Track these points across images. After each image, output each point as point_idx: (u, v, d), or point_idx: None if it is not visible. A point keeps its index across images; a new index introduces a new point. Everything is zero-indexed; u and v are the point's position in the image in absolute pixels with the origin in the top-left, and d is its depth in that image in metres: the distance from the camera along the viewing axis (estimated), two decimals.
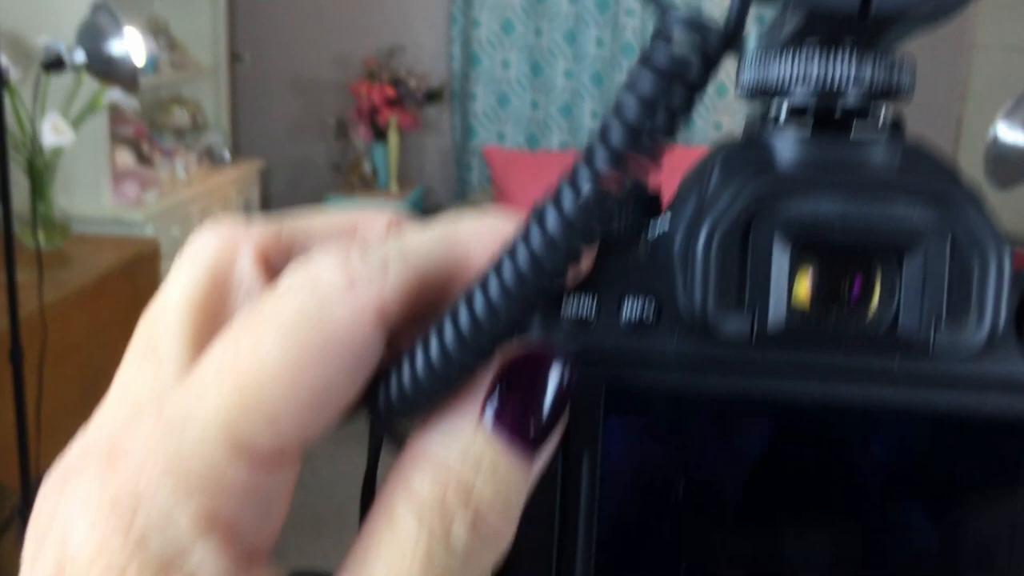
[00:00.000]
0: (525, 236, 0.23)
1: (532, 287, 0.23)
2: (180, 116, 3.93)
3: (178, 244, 3.40)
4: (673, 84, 0.22)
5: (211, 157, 3.97)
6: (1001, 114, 1.80)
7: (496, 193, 3.99)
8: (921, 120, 3.89)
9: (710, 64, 0.22)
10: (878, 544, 0.27)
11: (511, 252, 0.23)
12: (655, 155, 0.22)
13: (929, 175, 0.26)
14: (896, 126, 0.28)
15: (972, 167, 2.28)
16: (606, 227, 0.24)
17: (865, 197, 0.26)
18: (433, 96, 4.02)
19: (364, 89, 3.88)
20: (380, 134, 3.96)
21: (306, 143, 4.34)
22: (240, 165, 4.03)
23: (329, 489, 2.86)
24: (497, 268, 0.23)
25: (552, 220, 0.23)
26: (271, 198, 4.42)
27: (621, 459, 0.28)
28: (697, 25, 0.22)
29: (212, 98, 4.10)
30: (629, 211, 0.28)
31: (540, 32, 4.08)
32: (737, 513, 0.28)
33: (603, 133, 0.23)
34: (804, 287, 0.26)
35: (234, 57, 4.24)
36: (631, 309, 0.27)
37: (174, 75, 3.76)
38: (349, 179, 4.02)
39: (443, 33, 4.19)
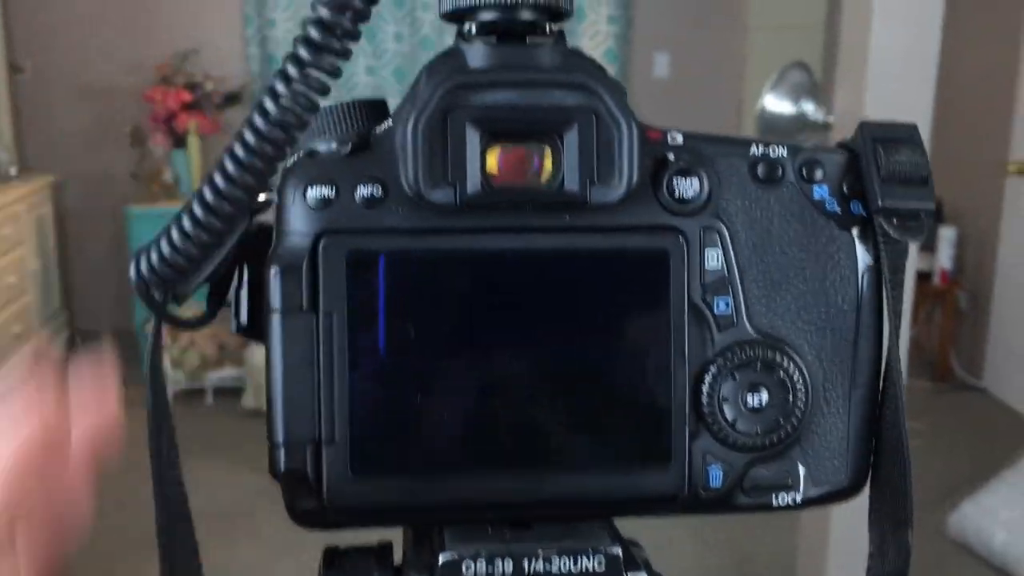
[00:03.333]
0: (248, 121, 0.30)
1: (259, 162, 0.30)
2: None
3: None
4: (343, 13, 0.30)
5: None
6: (767, 87, 1.95)
7: None
8: (708, 102, 4.13)
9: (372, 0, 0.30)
10: (563, 360, 0.35)
11: (240, 134, 0.31)
12: (342, 54, 0.31)
13: (581, 72, 0.34)
14: (560, 36, 0.36)
15: None
16: (308, 111, 0.31)
17: (534, 89, 0.34)
18: (232, 99, 3.93)
19: (159, 95, 3.76)
20: (180, 140, 3.84)
21: (101, 154, 4.16)
22: (29, 181, 3.82)
23: (151, 507, 2.77)
24: (230, 147, 0.30)
25: (268, 103, 0.30)
26: (67, 213, 4.21)
27: (366, 315, 0.34)
28: None
29: None
30: (361, 117, 0.36)
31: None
32: (458, 346, 0.35)
33: (295, 47, 0.31)
34: (493, 162, 0.34)
35: (13, 68, 4.01)
36: (363, 191, 0.34)
37: None
38: (150, 188, 3.88)
39: (238, 34, 4.11)
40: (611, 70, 3.81)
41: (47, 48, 4.06)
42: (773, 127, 1.91)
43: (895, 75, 1.64)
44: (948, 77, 3.84)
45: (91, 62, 4.08)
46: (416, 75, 0.35)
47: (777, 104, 1.91)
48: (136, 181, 3.97)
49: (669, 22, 4.28)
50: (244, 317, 0.36)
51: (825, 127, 1.86)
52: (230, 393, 3.50)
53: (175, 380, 3.45)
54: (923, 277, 3.81)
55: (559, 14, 0.35)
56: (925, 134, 1.73)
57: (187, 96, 3.76)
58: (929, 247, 3.85)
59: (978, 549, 2.41)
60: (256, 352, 3.11)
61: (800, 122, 1.91)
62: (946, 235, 3.76)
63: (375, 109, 0.36)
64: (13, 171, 3.78)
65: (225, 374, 3.47)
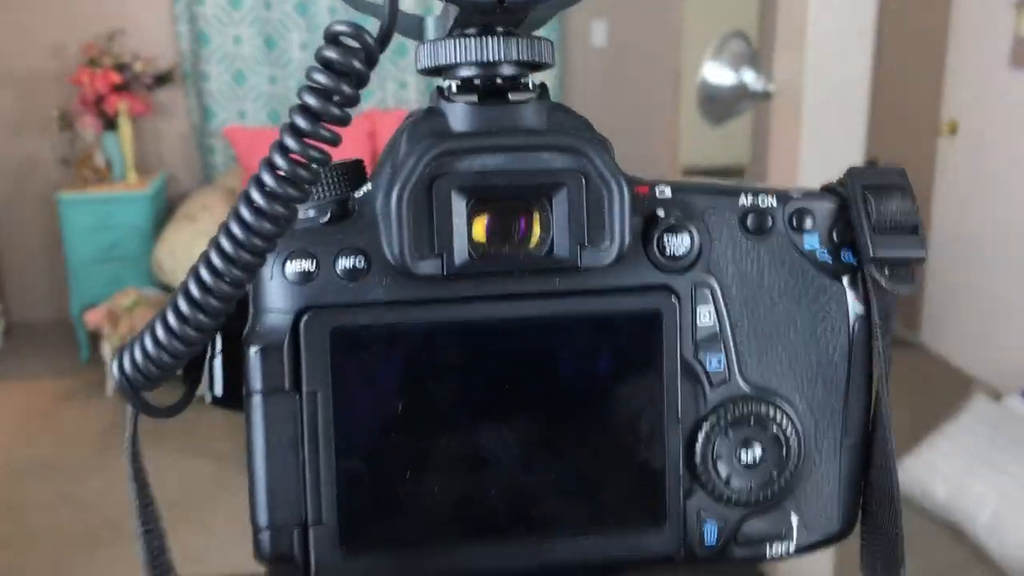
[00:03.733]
0: (245, 196, 0.28)
1: (260, 242, 0.28)
2: None
3: None
4: (342, 79, 0.28)
5: None
6: (707, 56, 1.95)
7: (244, 173, 3.88)
8: (646, 70, 4.14)
9: (372, 61, 0.28)
10: (556, 427, 0.34)
11: (224, 227, 0.28)
12: (333, 137, 0.28)
13: (568, 131, 0.33)
14: (543, 90, 0.34)
15: (692, 111, 2.45)
16: (303, 193, 0.29)
17: (520, 152, 0.33)
18: (163, 79, 3.84)
19: (86, 77, 3.65)
20: (110, 123, 3.74)
21: (27, 140, 4.03)
22: None
23: (101, 501, 2.72)
24: (216, 239, 0.28)
25: (256, 194, 0.28)
26: None
27: (351, 392, 0.33)
28: (357, 31, 0.28)
29: None
30: (338, 181, 0.33)
31: (270, 5, 3.98)
32: (448, 418, 0.33)
33: (290, 120, 0.28)
34: (480, 229, 0.33)
35: None
36: (345, 263, 0.33)
37: None
38: (81, 173, 3.78)
39: (166, 13, 4.00)
40: (550, 37, 3.82)
41: None
42: (714, 97, 1.91)
43: (834, 42, 1.66)
44: (882, 40, 3.90)
45: (11, 46, 3.94)
46: (393, 135, 0.34)
47: (718, 74, 1.91)
48: (66, 166, 3.87)
49: None
50: (219, 389, 0.35)
51: (766, 96, 1.87)
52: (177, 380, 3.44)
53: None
54: None
55: (541, 66, 0.34)
56: (864, 99, 1.75)
57: (116, 78, 3.66)
58: None
59: (922, 503, 2.47)
60: None
61: (741, 91, 1.92)
62: None
63: (352, 171, 0.34)
64: None
65: None
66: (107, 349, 3.37)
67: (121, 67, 3.70)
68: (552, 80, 4.10)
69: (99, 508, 2.67)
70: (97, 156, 3.79)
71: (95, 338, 3.64)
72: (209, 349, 0.34)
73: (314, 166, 0.28)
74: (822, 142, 1.71)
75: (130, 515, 0.34)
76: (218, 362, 0.34)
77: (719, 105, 1.93)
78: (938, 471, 2.47)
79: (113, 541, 2.50)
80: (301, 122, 0.28)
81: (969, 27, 3.48)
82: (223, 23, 3.96)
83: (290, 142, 0.28)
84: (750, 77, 1.90)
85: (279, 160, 0.28)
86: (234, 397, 0.34)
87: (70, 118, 3.77)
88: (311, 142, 0.28)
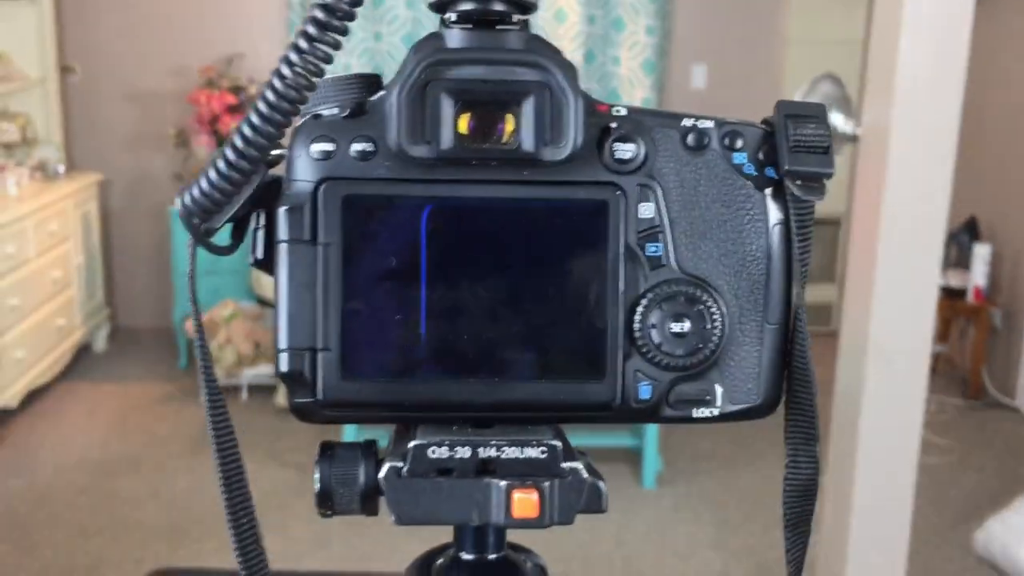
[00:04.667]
0: (269, 83, 0.37)
1: (278, 115, 0.37)
2: (8, 130, 3.80)
3: (13, 262, 3.29)
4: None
5: (44, 171, 3.85)
6: (797, 97, 1.97)
7: None
8: (745, 113, 4.15)
9: None
10: (518, 289, 0.42)
11: (262, 94, 0.37)
12: (342, 31, 0.37)
13: (539, 53, 0.42)
14: (526, 25, 0.42)
15: None
16: (317, 75, 0.37)
17: (498, 66, 0.41)
18: None
19: (203, 97, 3.84)
20: (222, 142, 3.91)
21: (145, 154, 4.26)
22: (76, 178, 3.93)
23: (187, 498, 2.83)
24: (255, 105, 0.37)
25: (284, 68, 0.37)
26: (112, 211, 4.31)
27: (357, 247, 0.41)
28: None
29: (42, 111, 3.97)
30: (357, 87, 0.42)
31: (380, 36, 4.13)
32: (431, 274, 0.42)
33: (311, 14, 0.36)
34: (464, 124, 0.41)
35: (64, 69, 4.13)
36: (357, 147, 0.41)
37: None
38: None
39: (282, 40, 4.19)
40: (649, 81, 3.81)
41: (97, 51, 4.18)
42: None
43: (922, 91, 1.66)
44: (983, 95, 3.83)
45: (138, 65, 4.18)
46: (406, 55, 0.42)
47: None
48: (179, 182, 4.07)
49: (707, 34, 4.31)
50: (260, 252, 0.43)
51: (853, 139, 1.88)
52: (265, 390, 3.57)
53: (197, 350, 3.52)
54: (957, 294, 3.79)
55: (526, 7, 0.42)
56: (951, 148, 1.74)
57: (231, 99, 3.85)
58: (963, 264, 3.83)
59: (1004, 567, 2.39)
60: None
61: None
62: (980, 252, 3.74)
63: (371, 81, 0.43)
64: (61, 169, 3.88)
65: (260, 371, 3.54)
66: None
67: (236, 89, 3.89)
68: None
69: (186, 506, 2.78)
70: None
71: (194, 346, 3.80)
72: (253, 221, 0.42)
73: (328, 49, 0.37)
74: (907, 188, 1.71)
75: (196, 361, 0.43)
76: (260, 233, 0.42)
77: None
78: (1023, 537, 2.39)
79: (199, 538, 2.61)
80: (320, 14, 0.36)
81: None
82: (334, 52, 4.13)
83: (311, 29, 0.36)
84: (839, 120, 1.91)
85: (302, 43, 0.37)
86: (270, 260, 0.42)
87: (186, 136, 3.97)
88: (327, 32, 0.36)
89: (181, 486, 2.91)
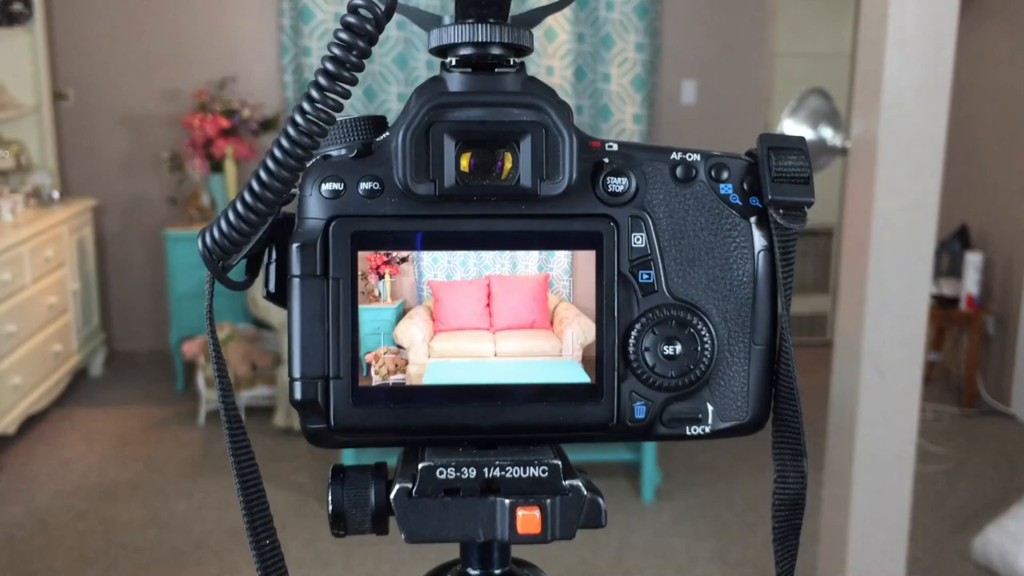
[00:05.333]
0: (284, 131, 0.39)
1: (292, 161, 0.40)
2: (3, 158, 3.81)
3: (9, 289, 3.29)
4: (359, 37, 0.39)
5: (39, 197, 3.86)
6: (786, 112, 1.99)
7: None
8: (734, 127, 4.16)
9: (380, 26, 0.39)
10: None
11: (278, 141, 0.40)
12: (351, 82, 0.39)
13: (535, 95, 0.44)
14: (522, 67, 0.45)
15: None
16: (327, 124, 0.40)
17: (497, 108, 0.44)
18: (268, 124, 4.03)
19: (197, 121, 3.86)
20: (216, 165, 3.94)
21: (139, 178, 4.27)
22: (71, 204, 3.94)
23: (186, 522, 2.83)
24: (271, 151, 0.40)
25: (297, 119, 0.39)
26: (106, 236, 4.32)
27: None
28: (369, 3, 0.39)
29: (36, 138, 3.99)
30: (364, 129, 0.45)
31: (371, 57, 4.15)
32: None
33: (322, 65, 0.39)
34: (465, 163, 0.44)
35: (58, 95, 4.14)
36: (365, 185, 0.44)
37: None
38: (187, 212, 3.99)
39: (274, 63, 4.22)
40: (639, 97, 3.82)
41: (89, 76, 4.20)
42: None
43: (908, 103, 1.68)
44: (972, 103, 3.87)
45: (131, 90, 4.20)
46: (409, 97, 0.45)
47: (795, 129, 1.95)
48: (173, 205, 4.08)
49: (696, 50, 4.34)
50: (272, 285, 0.45)
51: (843, 152, 1.90)
52: (262, 412, 3.57)
53: (208, 398, 3.52)
54: (950, 302, 3.81)
55: (522, 50, 0.45)
56: (939, 159, 1.76)
57: (225, 122, 3.87)
58: (955, 272, 3.85)
59: (1003, 573, 2.40)
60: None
61: (819, 147, 1.95)
62: (972, 260, 3.76)
63: (377, 123, 0.45)
64: (55, 195, 3.90)
65: (257, 393, 3.54)
66: (201, 380, 3.52)
67: (230, 112, 3.91)
68: (640, 134, 4.17)
69: (185, 529, 2.78)
70: (202, 196, 4.00)
71: (190, 369, 3.80)
72: (266, 257, 0.45)
73: (339, 99, 0.39)
74: (896, 200, 1.73)
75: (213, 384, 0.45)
76: (272, 267, 0.45)
77: None
78: (1022, 541, 2.40)
79: (199, 561, 2.60)
80: (330, 66, 0.39)
81: None
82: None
83: (322, 81, 0.39)
84: (828, 133, 1.93)
85: (315, 93, 0.39)
86: (282, 294, 0.44)
87: (180, 160, 3.99)
88: (337, 83, 0.39)
89: (180, 510, 2.91)
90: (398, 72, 4.13)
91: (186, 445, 3.37)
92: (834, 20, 4.37)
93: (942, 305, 3.77)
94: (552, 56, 4.11)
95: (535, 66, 4.10)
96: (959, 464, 3.25)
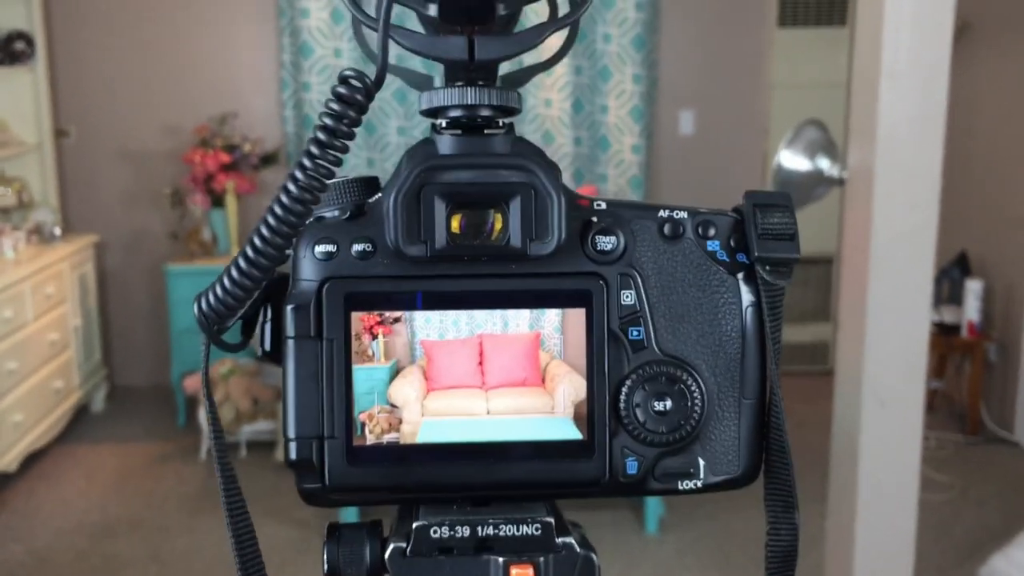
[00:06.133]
0: (277, 198, 0.40)
1: (286, 228, 0.40)
2: (5, 195, 3.83)
3: (11, 326, 3.29)
4: (349, 107, 0.40)
5: (41, 234, 3.87)
6: (783, 143, 2.00)
7: None
8: (732, 157, 4.18)
9: (370, 95, 0.40)
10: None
11: (271, 207, 0.40)
12: (342, 150, 0.40)
13: (524, 156, 0.45)
14: (510, 128, 0.45)
15: None
16: (319, 191, 0.40)
17: (486, 170, 0.44)
18: (268, 159, 4.05)
19: (198, 156, 3.88)
20: (217, 200, 3.96)
21: (141, 214, 4.29)
22: (72, 240, 3.95)
23: (187, 559, 2.82)
24: (264, 218, 0.40)
25: (290, 186, 0.40)
26: (108, 272, 4.33)
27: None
28: (360, 74, 0.40)
29: (38, 175, 4.01)
30: (356, 190, 0.45)
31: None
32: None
33: (314, 134, 0.40)
34: (456, 224, 0.44)
35: (59, 132, 4.17)
36: (357, 247, 0.44)
37: None
38: (188, 247, 4.00)
39: (274, 98, 4.24)
40: (637, 128, 3.85)
41: (91, 113, 4.22)
42: (789, 182, 1.96)
43: (904, 133, 1.69)
44: (971, 131, 3.88)
45: (132, 126, 4.23)
46: (400, 158, 0.45)
47: (792, 160, 1.96)
48: (175, 240, 4.09)
49: (693, 80, 4.37)
50: (267, 345, 0.46)
51: (840, 183, 1.91)
52: (263, 447, 3.56)
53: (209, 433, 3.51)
54: (951, 330, 3.80)
55: (510, 111, 0.46)
56: (935, 187, 1.77)
57: (226, 157, 3.88)
58: (956, 299, 3.85)
59: None
60: None
61: (816, 178, 1.96)
62: (973, 288, 3.76)
63: (369, 184, 0.46)
64: (57, 231, 3.91)
65: (259, 427, 3.53)
66: (203, 415, 3.51)
67: (230, 148, 3.93)
68: (639, 164, 4.19)
69: (186, 566, 2.77)
70: (204, 231, 4.01)
71: (192, 404, 3.80)
72: (261, 316, 0.45)
73: (330, 166, 0.40)
74: (894, 229, 1.73)
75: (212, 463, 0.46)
76: (268, 327, 0.45)
77: (794, 191, 1.97)
78: None
79: None
80: (322, 135, 0.40)
81: None
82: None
83: (314, 149, 0.40)
84: (825, 164, 1.94)
85: (307, 161, 0.40)
86: (277, 353, 0.45)
87: (181, 195, 4.00)
88: (328, 150, 0.40)
89: (181, 546, 2.90)
90: (398, 107, 4.16)
91: (187, 481, 3.36)
92: (830, 51, 4.40)
93: (943, 332, 3.77)
94: (550, 88, 4.14)
95: (533, 98, 4.13)
96: (963, 492, 3.23)
